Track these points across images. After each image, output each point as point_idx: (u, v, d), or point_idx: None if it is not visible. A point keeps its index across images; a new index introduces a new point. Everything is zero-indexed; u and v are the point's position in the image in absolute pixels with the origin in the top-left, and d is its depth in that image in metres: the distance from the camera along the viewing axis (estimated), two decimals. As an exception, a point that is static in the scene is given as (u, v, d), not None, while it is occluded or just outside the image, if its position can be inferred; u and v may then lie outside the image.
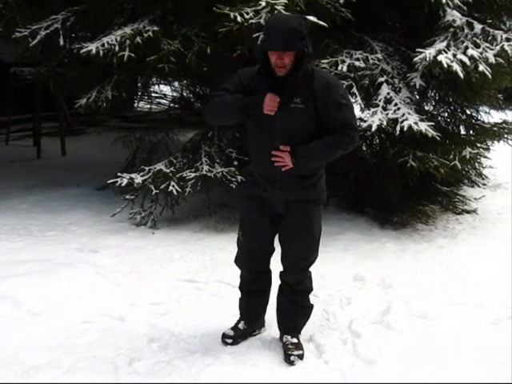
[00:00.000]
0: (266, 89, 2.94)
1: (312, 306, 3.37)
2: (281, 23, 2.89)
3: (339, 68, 5.22)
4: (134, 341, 3.32)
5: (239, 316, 3.44)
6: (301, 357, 3.15)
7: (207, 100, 3.29)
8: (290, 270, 3.23)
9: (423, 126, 4.97)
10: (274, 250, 3.30)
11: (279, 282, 3.34)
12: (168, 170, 5.71)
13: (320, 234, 3.21)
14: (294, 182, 3.05)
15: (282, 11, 4.67)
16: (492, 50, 5.14)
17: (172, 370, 3.01)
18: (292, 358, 3.12)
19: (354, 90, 5.24)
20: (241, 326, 3.39)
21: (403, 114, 5.09)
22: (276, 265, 3.30)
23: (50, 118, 10.43)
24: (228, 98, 3.02)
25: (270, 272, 3.38)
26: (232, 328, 3.38)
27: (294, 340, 3.23)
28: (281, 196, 3.10)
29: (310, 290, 3.32)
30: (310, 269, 3.27)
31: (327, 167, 3.21)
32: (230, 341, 3.32)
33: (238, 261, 3.38)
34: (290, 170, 3.01)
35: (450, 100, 6.34)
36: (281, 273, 3.29)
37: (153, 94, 9.11)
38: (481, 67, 4.99)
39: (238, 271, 3.43)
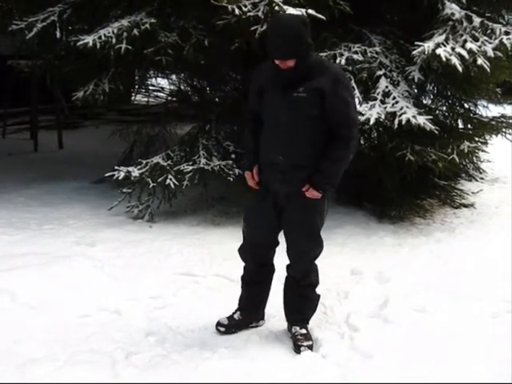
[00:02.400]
0: (272, 84, 3.06)
1: (318, 296, 3.38)
2: (281, 30, 2.90)
3: (337, 61, 5.21)
4: (131, 334, 3.31)
5: (237, 307, 3.46)
6: (310, 347, 3.19)
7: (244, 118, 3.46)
8: (296, 263, 3.26)
9: (421, 120, 4.96)
10: (277, 244, 3.31)
11: (286, 275, 3.36)
12: (165, 163, 5.70)
13: (322, 225, 3.22)
14: (294, 173, 3.06)
15: (281, 4, 4.65)
16: (491, 43, 5.12)
17: (169, 363, 3.01)
18: (302, 348, 3.16)
19: (353, 83, 5.21)
20: (236, 316, 3.42)
21: (401, 108, 5.08)
22: (283, 258, 3.30)
23: (47, 111, 10.39)
24: (246, 146, 3.37)
25: (272, 266, 3.40)
26: (227, 317, 3.41)
27: (303, 331, 3.26)
28: (283, 189, 3.11)
29: (316, 283, 3.33)
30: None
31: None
32: (222, 329, 3.36)
33: (241, 251, 3.40)
34: (291, 159, 3.04)
35: (449, 94, 6.34)
36: (287, 266, 3.32)
37: (150, 87, 9.07)
38: (479, 61, 4.98)
39: (236, 265, 3.44)
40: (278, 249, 3.34)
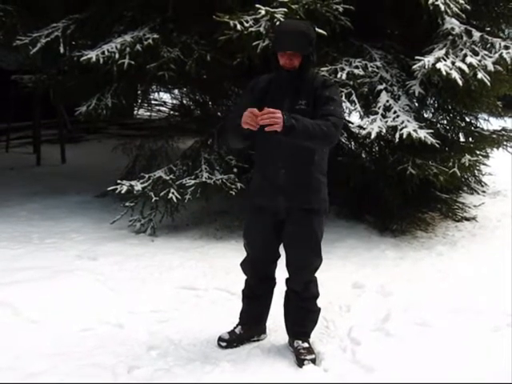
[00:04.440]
0: (272, 95, 3.06)
1: (319, 309, 3.37)
2: (291, 26, 3.06)
3: (338, 76, 5.24)
4: (133, 348, 3.31)
5: (238, 321, 3.46)
6: (313, 361, 3.17)
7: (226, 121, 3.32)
8: (295, 276, 3.25)
9: (422, 134, 4.98)
10: (278, 257, 3.31)
11: (285, 289, 3.36)
12: (168, 177, 5.71)
13: (321, 238, 3.21)
14: (296, 188, 3.06)
15: (282, 19, 4.69)
16: (491, 57, 5.15)
17: (171, 377, 3.00)
18: (306, 362, 3.14)
19: (354, 97, 5.25)
20: (237, 330, 3.42)
21: (402, 122, 5.10)
22: (283, 271, 3.29)
23: (49, 126, 10.44)
24: (233, 123, 3.02)
25: (273, 279, 3.40)
26: (228, 332, 3.40)
27: (306, 344, 3.25)
28: (283, 204, 3.10)
29: (317, 295, 3.33)
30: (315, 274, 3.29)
31: (327, 174, 3.21)
32: (224, 344, 3.35)
33: (243, 265, 3.40)
34: (293, 173, 3.03)
35: (449, 107, 6.36)
36: (287, 280, 3.31)
37: (152, 102, 9.14)
38: (479, 75, 5.01)
39: (238, 278, 3.44)
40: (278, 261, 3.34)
